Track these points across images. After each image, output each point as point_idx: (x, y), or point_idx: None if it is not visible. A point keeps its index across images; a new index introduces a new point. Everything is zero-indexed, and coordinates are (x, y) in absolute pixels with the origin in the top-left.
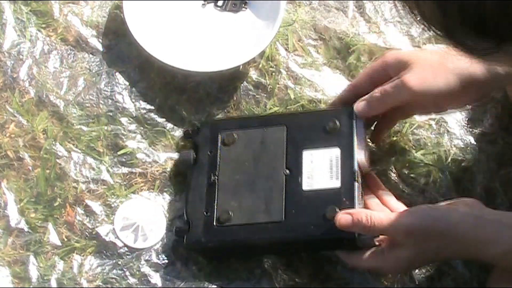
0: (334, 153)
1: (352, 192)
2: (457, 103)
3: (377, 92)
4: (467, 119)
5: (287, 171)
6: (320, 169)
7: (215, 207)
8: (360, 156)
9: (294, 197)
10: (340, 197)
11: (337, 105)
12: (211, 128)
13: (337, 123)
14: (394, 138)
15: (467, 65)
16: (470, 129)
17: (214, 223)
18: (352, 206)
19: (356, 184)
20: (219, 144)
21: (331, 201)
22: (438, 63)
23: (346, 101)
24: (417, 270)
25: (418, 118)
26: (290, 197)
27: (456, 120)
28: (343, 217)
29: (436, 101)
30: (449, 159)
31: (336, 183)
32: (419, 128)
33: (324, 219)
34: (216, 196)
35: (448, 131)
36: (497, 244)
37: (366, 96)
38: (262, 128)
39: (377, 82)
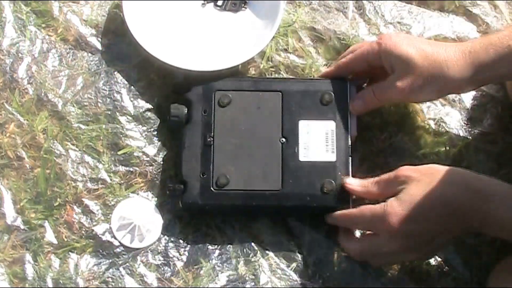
0: (329, 126)
1: (347, 166)
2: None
3: (372, 93)
4: (466, 119)
5: (284, 139)
6: (316, 141)
7: (212, 169)
8: (353, 131)
9: (291, 167)
10: (336, 171)
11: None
12: (205, 87)
13: (333, 96)
14: (394, 138)
15: (456, 73)
16: (470, 129)
17: (212, 186)
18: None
19: (350, 158)
20: (214, 104)
21: (327, 174)
22: (428, 72)
23: (336, 77)
24: (418, 270)
25: (418, 118)
26: (287, 167)
27: (455, 120)
28: (352, 181)
29: (424, 101)
30: (449, 159)
31: (331, 157)
32: (419, 128)
33: (321, 191)
34: (212, 158)
35: (447, 131)
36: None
37: (361, 94)
38: (258, 92)
39: (371, 64)
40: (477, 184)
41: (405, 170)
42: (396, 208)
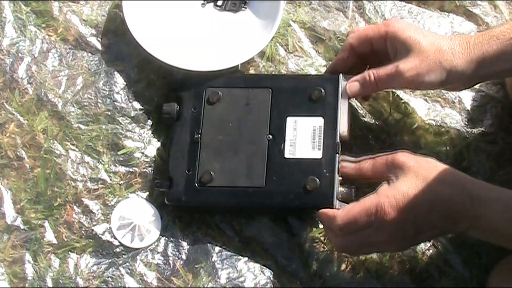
0: (317, 123)
1: (333, 164)
2: (443, 89)
3: (371, 76)
4: (466, 119)
5: (270, 136)
6: (302, 137)
7: (197, 166)
8: (343, 128)
9: (275, 164)
10: (321, 169)
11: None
12: (196, 84)
13: (322, 92)
14: (394, 138)
15: (461, 63)
16: (470, 129)
17: (196, 183)
18: (332, 178)
19: (337, 156)
20: (204, 101)
21: (312, 172)
22: (434, 57)
23: (342, 63)
24: (418, 270)
25: (418, 118)
26: (272, 163)
27: (455, 121)
28: (346, 162)
29: (425, 89)
30: (449, 159)
31: (317, 154)
32: (419, 128)
33: (305, 189)
34: (198, 155)
35: (447, 131)
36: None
37: (359, 77)
38: (248, 89)
39: (374, 48)
40: (471, 187)
41: (403, 157)
42: (390, 198)
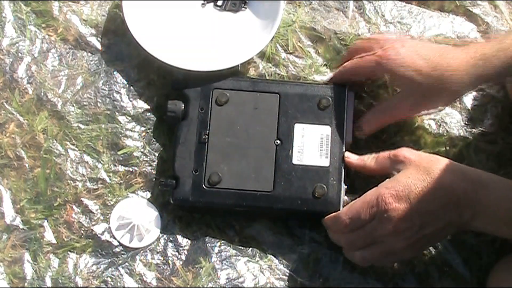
0: (325, 131)
1: (340, 173)
2: None
3: (377, 115)
4: (467, 119)
5: (278, 141)
6: (310, 145)
7: (205, 167)
8: (348, 138)
9: (284, 169)
10: (328, 177)
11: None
12: (200, 84)
13: (330, 101)
14: (394, 138)
15: (464, 83)
16: (470, 129)
17: (203, 184)
18: (339, 186)
19: (343, 165)
20: (212, 102)
21: (319, 179)
22: (435, 88)
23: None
24: (418, 270)
25: (418, 118)
26: (280, 169)
27: (456, 120)
28: (350, 155)
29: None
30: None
31: (325, 162)
32: (419, 128)
33: (313, 195)
34: (206, 156)
35: (448, 131)
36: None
37: (365, 117)
38: (255, 93)
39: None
40: (473, 173)
41: (406, 151)
42: (390, 189)
